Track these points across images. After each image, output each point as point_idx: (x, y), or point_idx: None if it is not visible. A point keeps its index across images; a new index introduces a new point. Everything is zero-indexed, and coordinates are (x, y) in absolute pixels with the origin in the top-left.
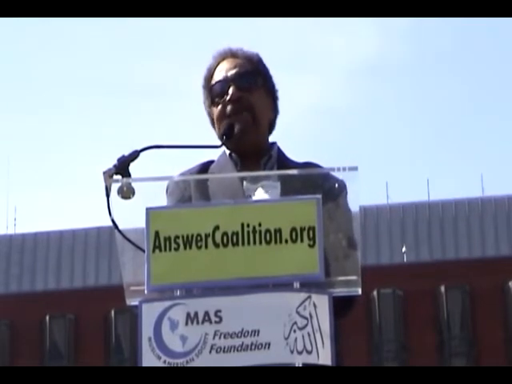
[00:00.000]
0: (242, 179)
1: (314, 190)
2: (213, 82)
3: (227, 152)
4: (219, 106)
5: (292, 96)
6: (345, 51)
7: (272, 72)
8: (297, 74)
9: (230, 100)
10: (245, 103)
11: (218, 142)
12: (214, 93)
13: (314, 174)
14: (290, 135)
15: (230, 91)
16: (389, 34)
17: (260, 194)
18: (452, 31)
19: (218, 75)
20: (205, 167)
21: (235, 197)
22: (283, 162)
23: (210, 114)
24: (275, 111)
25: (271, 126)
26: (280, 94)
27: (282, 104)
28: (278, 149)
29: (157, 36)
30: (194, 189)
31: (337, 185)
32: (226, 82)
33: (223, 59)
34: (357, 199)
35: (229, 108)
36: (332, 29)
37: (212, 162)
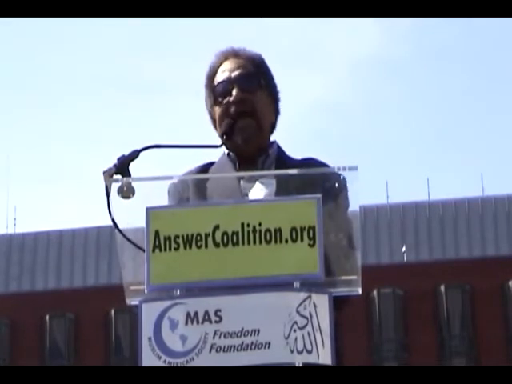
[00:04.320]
0: (239, 178)
1: (314, 188)
2: (216, 81)
3: (226, 151)
4: (222, 107)
5: (293, 93)
6: (347, 48)
7: (275, 69)
8: (299, 71)
9: (233, 101)
10: (248, 105)
11: (219, 142)
12: (216, 93)
13: (313, 174)
14: (291, 133)
15: (234, 92)
16: (390, 31)
17: (256, 192)
18: (454, 31)
19: (221, 75)
20: (205, 168)
21: (232, 196)
22: (282, 160)
23: (212, 114)
24: (276, 113)
25: (272, 128)
26: (283, 91)
27: (284, 101)
28: (278, 147)
29: (157, 35)
30: (192, 190)
31: (337, 184)
32: (229, 82)
33: (226, 59)
34: (357, 199)
35: (232, 109)
36: (334, 26)
37: (212, 163)
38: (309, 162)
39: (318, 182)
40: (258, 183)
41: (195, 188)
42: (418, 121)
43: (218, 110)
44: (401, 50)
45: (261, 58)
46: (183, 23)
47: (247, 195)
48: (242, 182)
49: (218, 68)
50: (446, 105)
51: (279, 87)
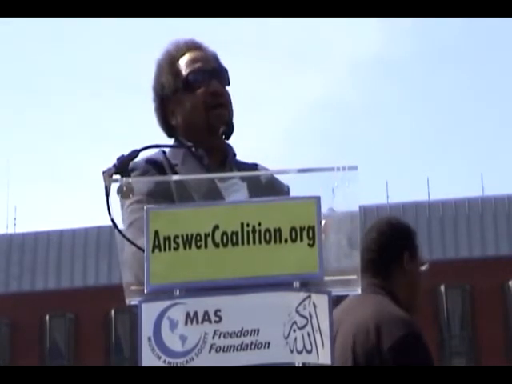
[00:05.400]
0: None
1: (277, 192)
2: (185, 69)
3: (193, 148)
4: (196, 96)
5: (294, 93)
6: (348, 48)
7: (275, 69)
8: (299, 71)
9: (214, 92)
10: (226, 98)
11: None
12: (190, 80)
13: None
14: (291, 132)
15: (214, 84)
16: (392, 31)
17: (231, 195)
18: (454, 31)
19: (193, 64)
20: (156, 162)
21: (209, 189)
22: (237, 161)
23: (170, 99)
24: None
25: None
26: (283, 91)
27: (285, 100)
28: None
29: (157, 35)
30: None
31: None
32: (205, 73)
33: (188, 49)
34: (357, 199)
35: (211, 100)
36: (335, 25)
37: (163, 152)
38: (257, 166)
39: (280, 186)
40: (232, 183)
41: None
42: (418, 121)
43: (188, 97)
44: (402, 49)
45: (218, 57)
46: (183, 23)
47: (221, 194)
48: (216, 181)
49: (182, 56)
50: (446, 105)
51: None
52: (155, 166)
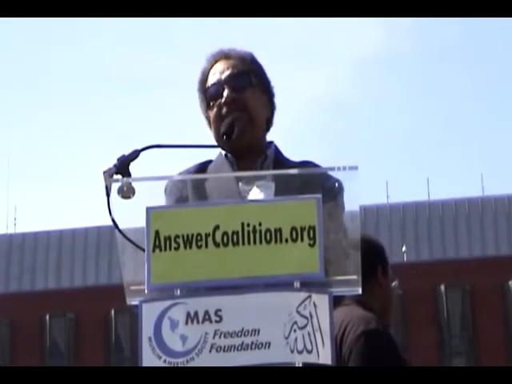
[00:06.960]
0: (237, 180)
1: (314, 189)
2: (207, 85)
3: (223, 152)
4: (215, 109)
5: (295, 92)
6: (350, 47)
7: (277, 68)
8: (301, 69)
9: (224, 102)
10: (239, 104)
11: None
12: (208, 96)
13: (314, 174)
14: (292, 131)
15: (225, 93)
16: (394, 29)
17: (254, 194)
18: (456, 30)
19: (212, 78)
20: (202, 167)
21: (231, 197)
22: (280, 161)
23: (207, 117)
24: (272, 108)
25: (268, 124)
26: (285, 90)
27: (286, 99)
28: (275, 148)
29: (157, 35)
30: (191, 189)
31: (337, 184)
32: (219, 84)
33: (216, 61)
34: (357, 199)
35: (224, 110)
36: (337, 24)
37: (210, 161)
38: (307, 164)
39: (318, 182)
40: (256, 186)
41: (194, 187)
42: (419, 120)
43: (211, 113)
44: (403, 49)
45: (251, 56)
46: (183, 23)
47: (245, 197)
48: (240, 184)
49: (209, 72)
50: (447, 104)
51: (273, 83)
52: (196, 170)
